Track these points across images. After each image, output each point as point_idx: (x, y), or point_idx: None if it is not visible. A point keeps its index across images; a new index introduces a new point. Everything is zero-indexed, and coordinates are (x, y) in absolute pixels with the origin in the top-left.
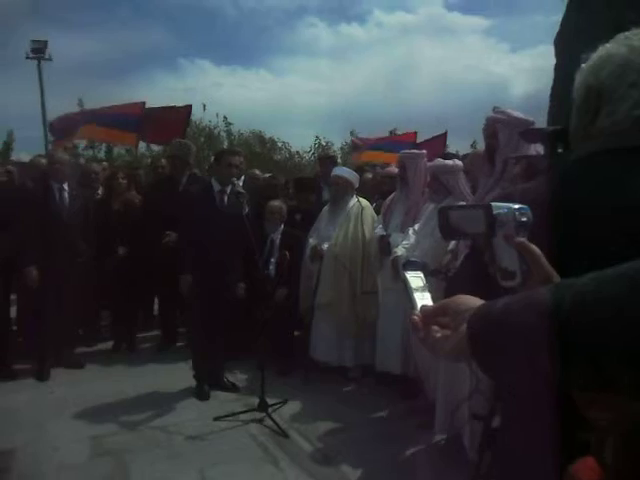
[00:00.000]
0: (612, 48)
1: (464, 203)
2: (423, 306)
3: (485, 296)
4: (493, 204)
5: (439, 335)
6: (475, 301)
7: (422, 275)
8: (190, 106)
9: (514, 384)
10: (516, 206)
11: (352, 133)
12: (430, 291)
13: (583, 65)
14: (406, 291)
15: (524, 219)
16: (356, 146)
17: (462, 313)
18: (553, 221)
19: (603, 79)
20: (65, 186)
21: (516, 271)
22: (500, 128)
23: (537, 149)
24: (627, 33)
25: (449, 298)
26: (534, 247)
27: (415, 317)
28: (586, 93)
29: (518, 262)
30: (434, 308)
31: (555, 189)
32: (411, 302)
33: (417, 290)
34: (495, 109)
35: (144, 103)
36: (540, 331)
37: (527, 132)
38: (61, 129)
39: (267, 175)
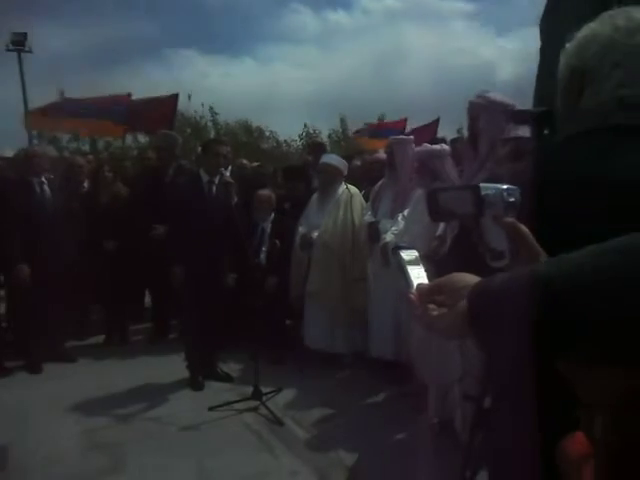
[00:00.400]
0: (596, 28)
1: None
2: (419, 284)
3: (475, 267)
4: (481, 185)
5: (436, 313)
6: (471, 278)
7: (416, 253)
8: (177, 95)
9: (512, 360)
10: (504, 186)
11: (342, 120)
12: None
13: (567, 45)
14: (401, 269)
15: (512, 199)
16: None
17: (459, 290)
18: (539, 200)
19: (587, 59)
20: (44, 179)
21: (504, 251)
22: (480, 112)
23: (523, 132)
24: (611, 12)
25: (446, 276)
26: (522, 227)
27: (411, 295)
28: (570, 73)
29: (506, 242)
30: (430, 286)
31: (540, 168)
32: (406, 280)
33: (412, 268)
34: (477, 93)
35: (130, 94)
36: (540, 303)
37: (515, 113)
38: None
39: (255, 164)
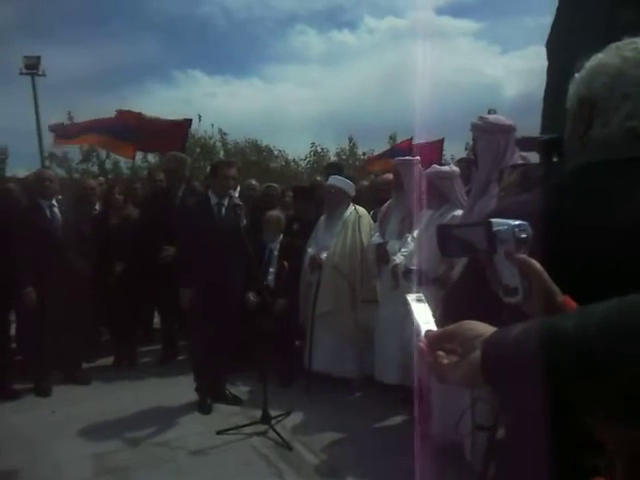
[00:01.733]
0: (604, 58)
1: (460, 214)
2: (428, 331)
3: (485, 308)
4: (492, 221)
5: (446, 362)
6: (484, 327)
7: (424, 297)
8: (190, 120)
9: (530, 411)
10: (516, 222)
11: (351, 139)
12: (430, 304)
13: (576, 75)
14: (410, 316)
15: (524, 235)
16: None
17: (471, 340)
18: (551, 234)
19: (596, 90)
20: (55, 202)
21: (518, 287)
22: (479, 134)
23: (523, 155)
24: (619, 43)
25: (456, 324)
26: (535, 263)
27: (421, 343)
28: (579, 104)
29: (519, 278)
30: (440, 334)
31: (551, 202)
32: (415, 327)
33: (420, 312)
34: (479, 116)
35: (140, 113)
36: (559, 359)
37: (521, 140)
38: (63, 131)
39: (266, 185)
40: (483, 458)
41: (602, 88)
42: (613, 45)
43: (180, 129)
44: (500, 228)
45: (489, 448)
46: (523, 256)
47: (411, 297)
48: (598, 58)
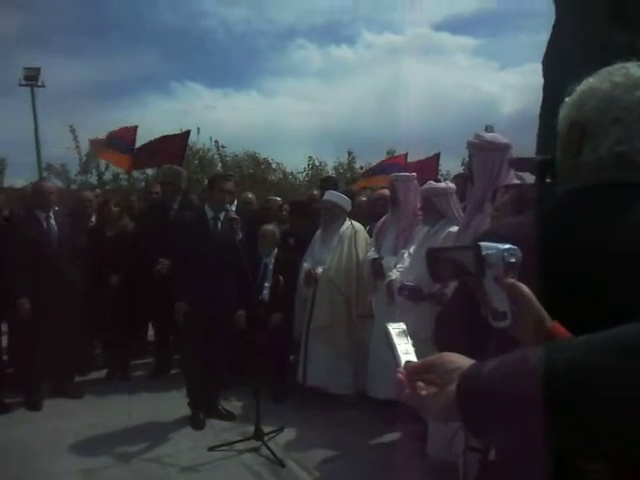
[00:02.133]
0: (595, 83)
1: (456, 231)
2: (407, 362)
3: (475, 332)
4: (482, 244)
5: (425, 393)
6: (462, 360)
7: (405, 327)
8: (189, 132)
9: (504, 445)
10: (505, 246)
11: (350, 153)
12: (426, 320)
13: (567, 99)
14: (389, 346)
15: (513, 260)
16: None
17: (450, 372)
18: (541, 258)
19: (586, 114)
20: (51, 214)
21: (507, 312)
22: (475, 152)
23: (519, 175)
24: (610, 68)
25: (435, 355)
26: (524, 288)
27: (400, 375)
28: (569, 127)
29: (508, 303)
30: (419, 365)
31: (542, 225)
32: (394, 357)
33: (400, 342)
34: (474, 134)
35: (136, 127)
36: (530, 396)
37: (516, 161)
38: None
39: (264, 199)
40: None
41: (592, 112)
42: (604, 70)
43: (179, 142)
44: (489, 252)
45: (481, 469)
46: (512, 280)
47: (392, 327)
48: (589, 82)
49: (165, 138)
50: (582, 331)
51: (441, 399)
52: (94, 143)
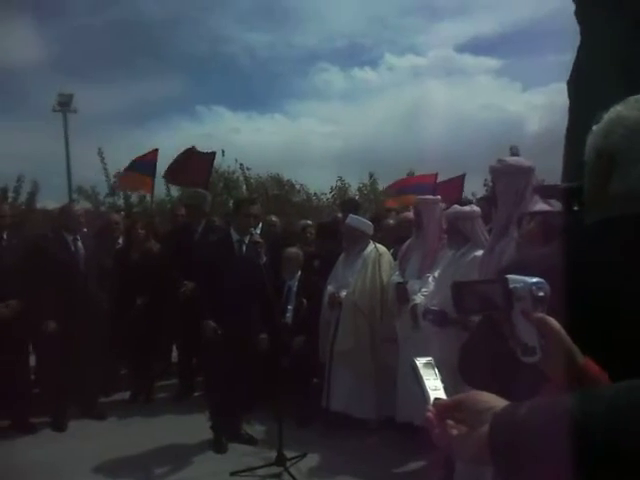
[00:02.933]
0: (622, 111)
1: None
2: (436, 399)
3: (503, 361)
4: (509, 277)
5: (456, 433)
6: (494, 400)
7: (432, 360)
8: (214, 153)
9: None
10: (533, 280)
11: (371, 176)
12: (450, 344)
13: (594, 127)
14: (417, 382)
15: (541, 293)
16: (389, 193)
17: (481, 413)
18: (570, 292)
19: (614, 143)
20: (78, 236)
21: (536, 346)
22: (498, 177)
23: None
24: (638, 96)
25: (464, 394)
26: (553, 322)
27: (429, 413)
28: (597, 156)
29: (537, 337)
30: (449, 403)
31: (570, 258)
32: (422, 393)
33: (428, 377)
34: (498, 159)
35: (157, 150)
36: (566, 443)
37: (541, 188)
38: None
39: (296, 222)
40: None
41: (621, 141)
42: (632, 98)
43: (205, 162)
44: (517, 285)
45: None
46: (541, 315)
47: (419, 361)
48: (616, 110)
49: (192, 154)
50: (612, 368)
51: (472, 440)
52: (117, 176)
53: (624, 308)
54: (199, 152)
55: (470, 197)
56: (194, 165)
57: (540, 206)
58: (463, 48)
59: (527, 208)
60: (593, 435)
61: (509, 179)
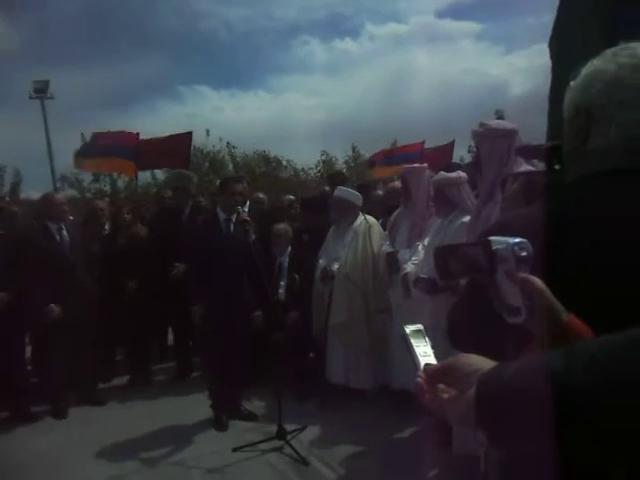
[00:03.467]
0: (599, 65)
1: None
2: (426, 364)
3: (487, 329)
4: (492, 239)
5: (446, 397)
6: (481, 362)
7: (422, 328)
8: (191, 132)
9: (522, 452)
10: (515, 240)
11: (354, 148)
12: (441, 311)
13: (571, 83)
14: (407, 349)
15: (524, 253)
16: (372, 163)
17: (469, 375)
18: (552, 250)
19: (592, 98)
20: (63, 225)
21: (520, 307)
22: (481, 141)
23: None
24: (614, 49)
25: (453, 357)
26: (537, 281)
27: (419, 379)
28: (575, 112)
29: (522, 298)
30: (439, 368)
31: (551, 216)
32: (413, 360)
33: (418, 344)
34: (480, 122)
35: (138, 134)
36: (550, 402)
37: (523, 148)
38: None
39: (280, 197)
40: (499, 473)
41: (598, 96)
42: (609, 51)
43: (182, 143)
44: (499, 247)
45: (502, 465)
46: (524, 275)
47: (409, 329)
48: (593, 65)
49: (168, 138)
50: (596, 324)
51: (461, 403)
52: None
53: (605, 263)
54: (173, 135)
55: (459, 162)
56: (171, 147)
57: (524, 167)
58: (444, 13)
59: (511, 170)
60: (574, 389)
61: (492, 143)
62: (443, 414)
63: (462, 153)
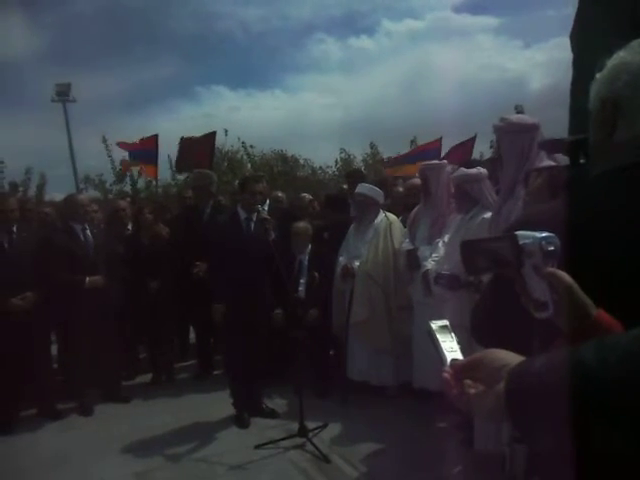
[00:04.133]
0: (626, 57)
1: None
2: (453, 360)
3: (515, 319)
4: (518, 234)
5: (473, 392)
6: (509, 357)
7: (448, 323)
8: (214, 133)
9: (552, 447)
10: (542, 234)
11: (372, 146)
12: (464, 308)
13: (597, 75)
14: (433, 344)
15: (551, 248)
16: (388, 165)
17: (497, 370)
18: (579, 244)
19: (618, 90)
20: (87, 225)
21: (548, 302)
22: (501, 136)
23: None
24: None
25: (481, 352)
26: (565, 276)
27: (446, 374)
28: (601, 105)
29: (549, 292)
30: (465, 363)
31: (578, 210)
32: (439, 355)
33: (444, 339)
34: (500, 117)
35: (157, 135)
36: (581, 393)
37: (546, 142)
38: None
39: (299, 195)
40: (524, 472)
41: (625, 87)
42: (635, 42)
43: (206, 144)
44: (526, 241)
45: (530, 461)
46: (552, 269)
47: (435, 324)
48: (619, 57)
49: (192, 141)
50: (627, 319)
51: (489, 398)
52: (123, 162)
53: (633, 256)
54: (197, 137)
55: (479, 158)
56: (196, 149)
57: (546, 162)
58: (460, 8)
59: (533, 165)
60: (607, 383)
61: (513, 137)
62: (470, 409)
63: (482, 149)
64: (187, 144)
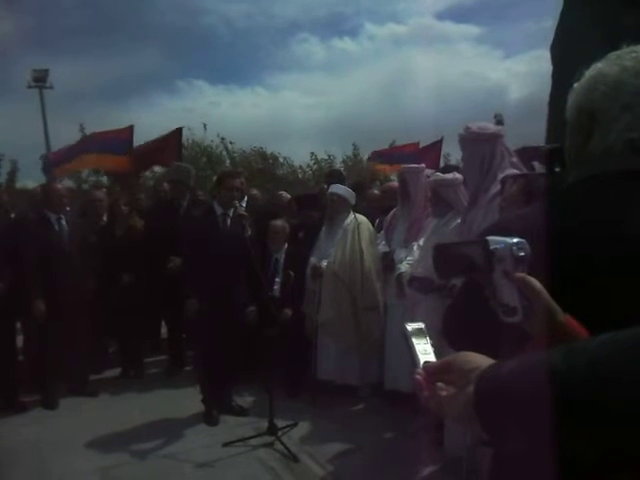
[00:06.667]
0: (604, 68)
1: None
2: (426, 362)
3: (483, 328)
4: (489, 239)
5: (444, 394)
6: (481, 360)
7: (423, 326)
8: (180, 129)
9: (520, 450)
10: (513, 240)
11: (355, 146)
12: (436, 312)
13: (575, 85)
14: (407, 346)
15: (522, 253)
16: (373, 157)
17: (468, 372)
18: (551, 250)
19: (595, 100)
20: (62, 215)
21: (517, 307)
22: (463, 145)
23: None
24: (619, 52)
25: (453, 355)
26: (534, 281)
27: (418, 376)
28: (578, 114)
29: (519, 297)
30: (438, 365)
31: (551, 216)
32: (413, 358)
33: (419, 342)
34: (465, 126)
35: (132, 126)
36: (549, 399)
37: (523, 150)
38: (57, 159)
39: (277, 193)
40: (489, 474)
41: (601, 98)
42: (613, 54)
43: (172, 141)
44: (497, 246)
45: (494, 464)
46: (522, 274)
47: (411, 327)
48: (597, 67)
49: (158, 140)
50: (594, 324)
51: (459, 400)
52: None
53: (605, 265)
54: (164, 135)
55: (449, 161)
56: (161, 147)
57: (510, 170)
58: (443, 15)
59: (497, 174)
60: (575, 387)
61: (474, 146)
62: (441, 411)
63: (458, 155)
64: (144, 148)
